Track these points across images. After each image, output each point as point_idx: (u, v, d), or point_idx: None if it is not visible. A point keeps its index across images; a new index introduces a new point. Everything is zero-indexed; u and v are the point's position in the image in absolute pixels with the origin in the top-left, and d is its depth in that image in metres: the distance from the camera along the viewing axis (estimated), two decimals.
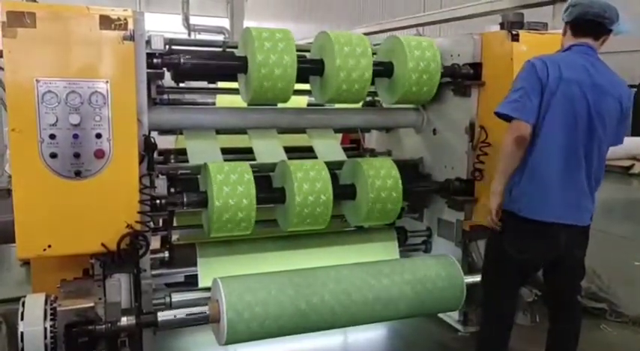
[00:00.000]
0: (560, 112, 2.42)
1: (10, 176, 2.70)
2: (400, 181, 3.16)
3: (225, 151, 3.31)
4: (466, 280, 3.12)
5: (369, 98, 3.87)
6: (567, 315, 2.74)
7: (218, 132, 3.38)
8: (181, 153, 3.42)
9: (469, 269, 3.33)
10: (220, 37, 19.39)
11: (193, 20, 19.24)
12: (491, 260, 2.76)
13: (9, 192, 2.74)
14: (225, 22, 20.35)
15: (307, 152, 3.53)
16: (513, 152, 2.45)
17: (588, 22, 2.50)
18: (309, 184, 2.92)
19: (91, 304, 2.37)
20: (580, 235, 2.59)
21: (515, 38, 3.03)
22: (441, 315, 3.55)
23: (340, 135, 4.07)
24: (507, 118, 2.48)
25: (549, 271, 2.72)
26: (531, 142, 2.45)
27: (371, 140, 4.31)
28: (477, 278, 3.04)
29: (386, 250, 3.53)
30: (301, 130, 3.59)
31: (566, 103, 2.42)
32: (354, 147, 4.31)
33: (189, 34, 19.33)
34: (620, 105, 2.51)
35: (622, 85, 2.58)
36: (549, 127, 2.43)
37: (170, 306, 2.89)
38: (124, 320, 2.49)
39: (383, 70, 3.15)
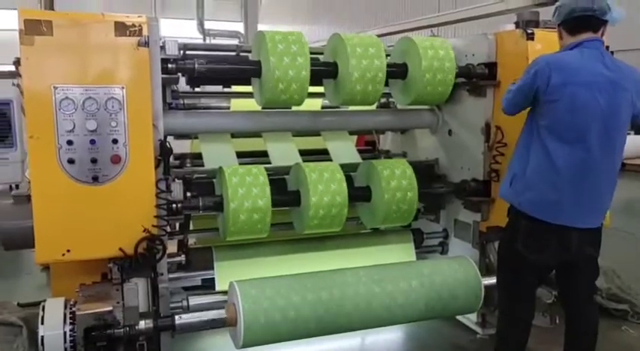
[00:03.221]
0: (571, 115, 2.39)
1: (30, 182, 2.74)
2: (416, 183, 3.14)
3: (240, 154, 3.33)
4: (483, 282, 3.09)
5: (383, 99, 3.87)
6: (583, 315, 2.70)
7: (233, 135, 3.40)
8: (197, 157, 3.45)
9: (486, 271, 3.29)
10: (235, 41, 19.59)
11: (208, 25, 19.40)
12: (504, 261, 2.73)
13: (29, 198, 2.78)
14: (239, 26, 20.51)
15: (322, 155, 3.53)
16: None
17: (579, 19, 2.45)
18: (324, 187, 2.92)
19: (110, 308, 2.40)
20: (593, 235, 2.55)
21: (530, 37, 2.99)
22: (458, 317, 3.52)
23: (355, 137, 4.07)
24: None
25: (563, 271, 2.68)
26: (540, 144, 2.44)
27: (386, 142, 4.30)
28: (494, 280, 3.01)
29: (402, 252, 3.52)
30: (316, 133, 3.59)
31: (575, 106, 2.38)
32: (370, 149, 4.30)
33: (204, 39, 19.49)
34: (632, 98, 2.46)
35: (634, 79, 2.49)
36: (560, 131, 2.40)
37: (187, 309, 2.90)
38: (142, 324, 2.51)
39: (397, 71, 3.14)
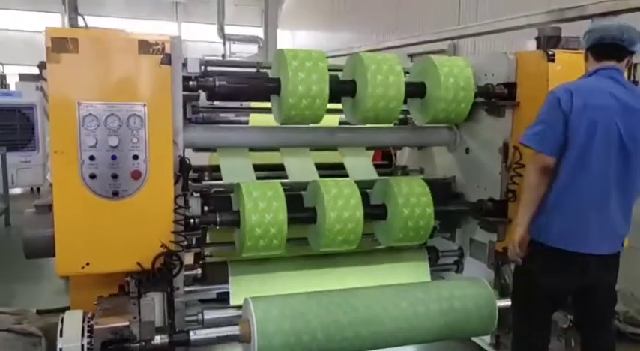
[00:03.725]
0: (590, 140, 2.38)
1: (51, 185, 2.80)
2: (432, 202, 3.14)
3: (258, 167, 3.36)
4: (498, 304, 3.07)
5: (401, 116, 3.87)
6: (600, 341, 2.67)
7: (251, 149, 3.43)
8: (215, 170, 3.49)
9: (501, 292, 3.27)
10: (254, 47, 19.70)
11: (228, 30, 19.55)
12: (520, 288, 2.72)
13: (50, 208, 2.84)
14: (259, 32, 20.61)
15: (339, 169, 3.54)
16: (537, 182, 2.47)
17: (607, 46, 2.48)
18: (340, 205, 2.93)
19: (126, 323, 2.43)
20: (611, 260, 2.54)
21: (551, 58, 2.98)
22: (473, 338, 3.50)
23: (372, 152, 4.08)
24: (531, 148, 2.49)
25: (579, 296, 2.66)
26: (561, 171, 2.43)
27: (403, 157, 4.30)
28: (509, 302, 2.99)
29: (417, 270, 3.51)
30: (333, 148, 3.61)
31: (595, 130, 2.38)
32: (386, 164, 4.30)
33: (224, 44, 19.66)
34: None
35: None
36: (579, 156, 2.40)
37: (202, 323, 2.94)
38: (158, 339, 2.55)
39: (415, 90, 3.15)
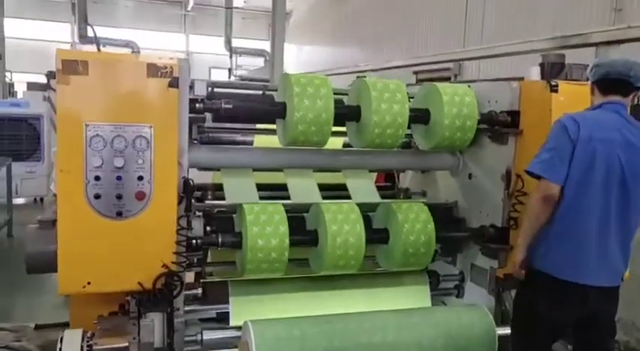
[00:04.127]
0: (592, 172, 2.41)
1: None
2: (434, 228, 3.15)
3: (261, 187, 3.37)
4: (498, 332, 3.06)
5: (404, 139, 3.89)
6: None
7: (255, 169, 3.45)
8: (218, 188, 3.50)
9: (502, 319, 3.26)
10: (261, 60, 19.84)
11: (235, 43, 19.72)
12: (520, 317, 2.72)
13: (54, 223, 2.86)
14: (266, 45, 20.77)
15: (342, 190, 3.56)
16: (541, 210, 2.48)
17: (614, 82, 2.51)
18: (341, 229, 2.95)
19: (126, 344, 2.44)
20: (611, 293, 2.55)
21: (554, 89, 3.00)
22: None
23: (375, 174, 4.09)
24: (537, 177, 2.48)
25: (580, 328, 2.66)
26: (562, 201, 2.44)
27: (406, 179, 4.31)
28: (509, 330, 2.98)
29: (417, 294, 3.51)
30: (337, 170, 3.62)
31: (598, 163, 2.40)
32: (389, 186, 4.31)
33: (230, 56, 19.81)
34: None
35: None
36: (581, 188, 2.42)
37: (201, 344, 2.94)
38: None
39: (419, 117, 3.18)
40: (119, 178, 2.57)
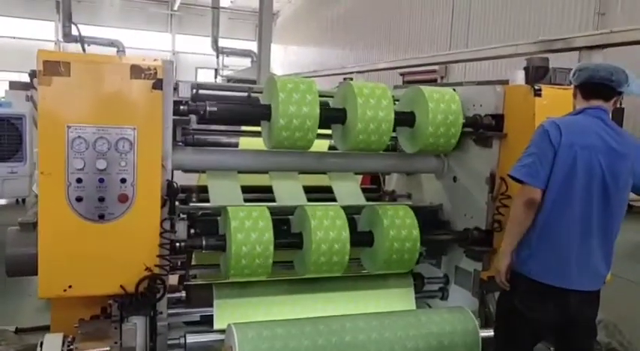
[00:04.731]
0: (574, 177, 2.43)
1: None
2: (418, 231, 3.16)
3: (246, 189, 3.36)
4: (482, 334, 3.08)
5: (390, 142, 3.89)
6: None
7: (240, 171, 3.44)
8: (203, 190, 3.48)
9: (486, 321, 3.29)
10: (248, 60, 19.79)
11: (222, 43, 19.66)
12: (502, 319, 2.74)
13: (35, 225, 2.82)
14: (253, 45, 20.74)
15: (327, 192, 3.55)
16: (523, 215, 2.50)
17: (596, 86, 2.53)
18: (326, 232, 2.95)
19: (107, 348, 2.41)
20: (592, 297, 2.57)
21: (537, 93, 3.03)
22: None
23: (360, 176, 4.09)
24: (519, 182, 2.50)
25: (561, 330, 2.68)
26: (544, 206, 2.46)
27: (391, 182, 4.32)
28: (492, 332, 3.00)
29: (402, 296, 3.51)
30: (322, 172, 3.62)
31: (579, 168, 2.43)
32: (375, 188, 4.32)
33: (217, 56, 19.73)
34: (632, 166, 2.50)
35: (636, 147, 2.55)
36: (563, 193, 2.44)
37: (185, 347, 2.91)
38: None
39: (404, 119, 3.19)
40: (101, 180, 2.54)
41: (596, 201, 2.44)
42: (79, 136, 2.50)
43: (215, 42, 19.30)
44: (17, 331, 3.46)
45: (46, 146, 2.50)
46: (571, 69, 3.38)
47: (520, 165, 2.52)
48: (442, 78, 11.49)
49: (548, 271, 2.49)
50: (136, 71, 2.55)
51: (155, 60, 2.60)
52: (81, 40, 11.70)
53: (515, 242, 2.55)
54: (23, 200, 8.61)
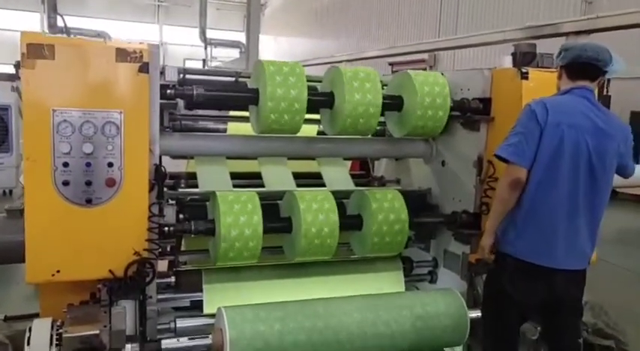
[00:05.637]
0: (560, 156, 2.45)
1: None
2: (407, 214, 3.18)
3: (235, 175, 3.35)
4: (470, 315, 3.11)
5: (378, 127, 3.90)
6: None
7: (229, 157, 3.43)
8: (192, 177, 3.47)
9: (474, 303, 3.31)
10: (236, 51, 19.70)
11: (210, 34, 19.53)
12: (489, 299, 2.77)
13: (21, 212, 2.81)
14: (241, 36, 20.61)
15: (316, 178, 3.56)
16: (508, 194, 2.52)
17: (583, 65, 2.55)
18: (315, 216, 2.95)
19: (96, 332, 2.41)
20: (578, 276, 2.61)
21: (524, 76, 3.04)
22: (445, 349, 3.54)
23: (349, 162, 4.10)
24: (505, 161, 2.52)
25: (547, 310, 2.72)
26: (529, 186, 2.48)
27: (380, 167, 4.34)
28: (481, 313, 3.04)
29: (391, 280, 3.54)
30: (311, 158, 3.63)
31: (566, 147, 2.45)
32: (364, 174, 4.33)
33: (205, 48, 19.61)
34: (618, 147, 2.53)
35: (622, 128, 2.59)
36: (549, 172, 2.46)
37: (175, 332, 2.92)
38: (128, 348, 2.52)
39: (392, 104, 3.19)
40: (88, 164, 2.52)
41: (582, 180, 2.46)
42: (65, 120, 2.47)
43: (203, 33, 19.15)
44: (6, 319, 3.44)
45: (31, 131, 2.47)
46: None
47: (506, 144, 2.53)
48: (431, 67, 11.52)
49: (535, 251, 2.52)
50: (122, 54, 2.52)
51: (141, 43, 2.58)
52: (67, 31, 11.55)
53: (498, 221, 2.58)
54: (10, 192, 8.53)
